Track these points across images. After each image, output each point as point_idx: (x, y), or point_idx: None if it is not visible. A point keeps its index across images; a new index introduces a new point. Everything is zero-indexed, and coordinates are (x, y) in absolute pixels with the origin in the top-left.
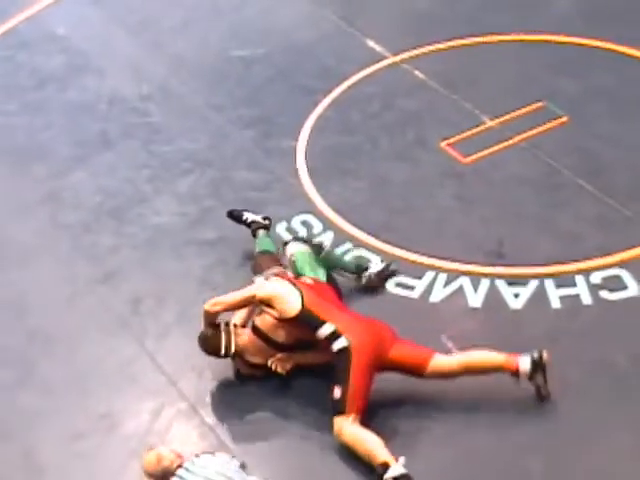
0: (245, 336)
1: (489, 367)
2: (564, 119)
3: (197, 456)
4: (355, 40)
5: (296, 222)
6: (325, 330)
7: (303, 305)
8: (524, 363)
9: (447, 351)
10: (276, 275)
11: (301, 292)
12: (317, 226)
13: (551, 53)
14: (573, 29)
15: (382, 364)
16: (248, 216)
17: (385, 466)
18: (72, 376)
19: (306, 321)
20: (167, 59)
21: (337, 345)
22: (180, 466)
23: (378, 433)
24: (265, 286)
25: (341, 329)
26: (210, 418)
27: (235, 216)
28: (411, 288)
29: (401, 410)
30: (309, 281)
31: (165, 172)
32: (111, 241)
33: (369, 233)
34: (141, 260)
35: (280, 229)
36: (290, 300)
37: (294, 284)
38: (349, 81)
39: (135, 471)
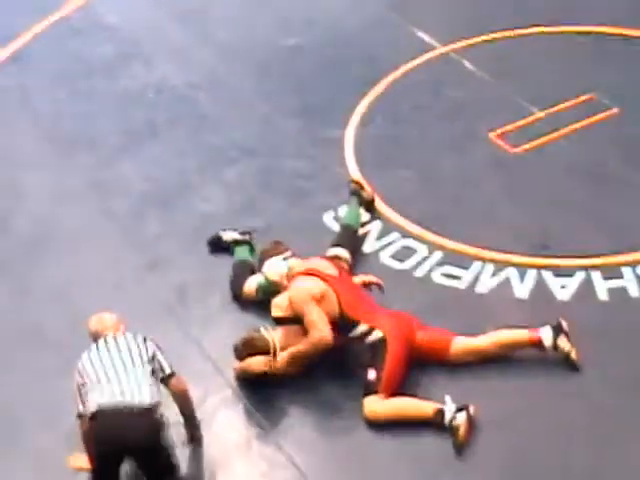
0: (277, 332)
1: (514, 343)
2: (614, 111)
3: (119, 335)
4: (404, 30)
5: (343, 211)
6: (359, 329)
7: (341, 309)
8: (545, 332)
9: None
10: (304, 273)
11: (336, 293)
12: (364, 215)
13: (600, 45)
14: (622, 20)
15: (412, 353)
16: (226, 236)
17: (440, 412)
18: None
19: (341, 323)
20: (215, 48)
21: (372, 338)
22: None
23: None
24: (311, 288)
25: (374, 325)
26: (254, 406)
27: (215, 243)
28: (458, 278)
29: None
30: (332, 270)
31: (212, 161)
32: (158, 229)
33: (417, 223)
34: (188, 248)
35: (327, 218)
36: (331, 302)
37: (327, 282)
38: (398, 71)
39: (181, 457)
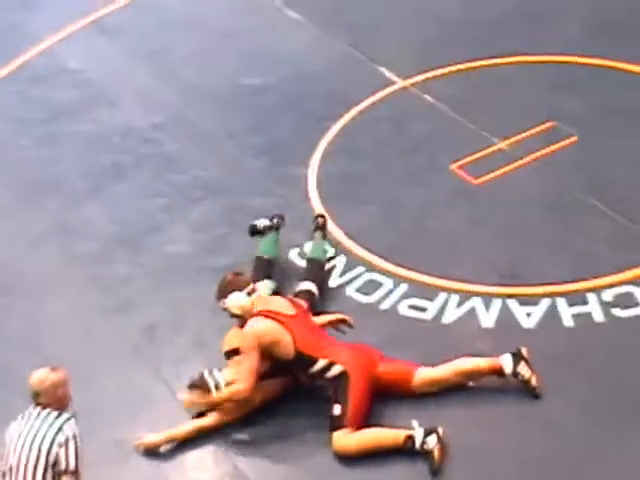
0: (227, 371)
1: (475, 371)
2: (573, 138)
3: (41, 413)
4: (364, 66)
5: (308, 247)
6: (318, 365)
7: (296, 349)
8: (505, 360)
9: None
10: (262, 313)
11: (291, 333)
12: (329, 251)
13: (559, 73)
14: (580, 49)
15: (374, 384)
16: (261, 223)
17: (410, 438)
18: (87, 405)
19: (299, 362)
20: (178, 89)
21: (332, 372)
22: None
23: None
24: (263, 334)
25: (334, 360)
26: (224, 444)
27: (255, 231)
28: (423, 310)
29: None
30: (290, 309)
31: (178, 201)
32: (125, 270)
33: (381, 256)
34: (156, 288)
35: (293, 255)
36: (284, 344)
37: (283, 324)
38: (359, 107)
39: None
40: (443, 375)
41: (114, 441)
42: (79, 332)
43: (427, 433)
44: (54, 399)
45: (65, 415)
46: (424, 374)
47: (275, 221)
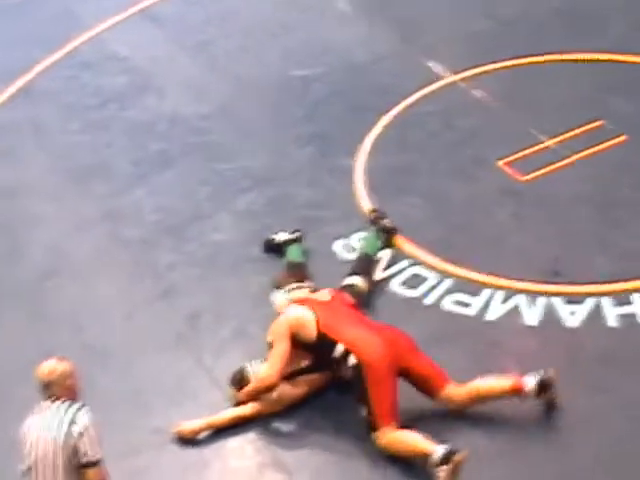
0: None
1: (496, 393)
2: (622, 138)
3: (55, 406)
4: (413, 59)
5: (354, 240)
6: (338, 350)
7: (318, 329)
8: (529, 383)
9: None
10: (295, 301)
11: (315, 314)
12: (379, 244)
13: (609, 72)
14: (631, 48)
15: (400, 370)
16: (278, 237)
17: (431, 455)
18: (128, 391)
19: (321, 345)
20: (227, 79)
21: (349, 363)
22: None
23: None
24: (293, 318)
25: (350, 347)
26: (265, 433)
27: (269, 246)
28: (468, 305)
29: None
30: (326, 297)
31: (224, 190)
32: (170, 258)
33: (427, 250)
34: (199, 277)
35: (337, 247)
36: (308, 323)
37: (307, 304)
38: (407, 100)
39: None
40: (465, 400)
41: (154, 428)
42: (121, 318)
43: (443, 461)
44: (64, 390)
45: (76, 405)
46: (451, 392)
47: (296, 234)
